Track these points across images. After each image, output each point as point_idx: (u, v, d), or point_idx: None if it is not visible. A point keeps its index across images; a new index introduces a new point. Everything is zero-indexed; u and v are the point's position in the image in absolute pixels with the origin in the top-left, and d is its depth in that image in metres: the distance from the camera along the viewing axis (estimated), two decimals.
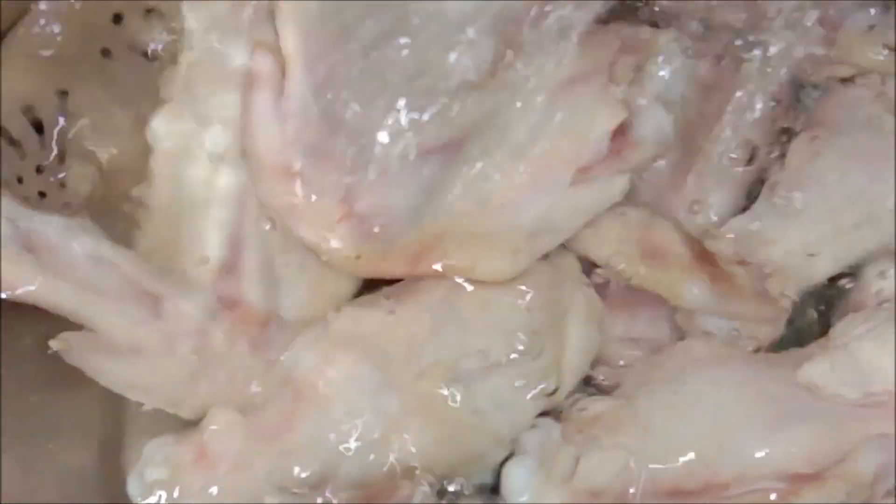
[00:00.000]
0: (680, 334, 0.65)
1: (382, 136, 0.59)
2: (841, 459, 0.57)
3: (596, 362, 0.66)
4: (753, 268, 0.61)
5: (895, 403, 0.57)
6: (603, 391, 0.65)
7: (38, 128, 0.63)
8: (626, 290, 0.65)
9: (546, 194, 0.59)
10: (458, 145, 0.59)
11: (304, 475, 0.59)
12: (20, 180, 0.62)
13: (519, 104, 0.59)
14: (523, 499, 0.59)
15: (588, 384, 0.66)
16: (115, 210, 0.65)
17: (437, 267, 0.60)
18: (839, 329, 0.60)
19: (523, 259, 0.60)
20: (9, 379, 0.62)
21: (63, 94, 0.64)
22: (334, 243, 0.59)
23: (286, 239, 0.62)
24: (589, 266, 0.65)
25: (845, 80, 0.65)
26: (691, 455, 0.58)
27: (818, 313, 0.67)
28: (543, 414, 0.62)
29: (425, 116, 0.59)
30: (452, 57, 0.59)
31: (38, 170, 0.63)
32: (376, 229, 0.59)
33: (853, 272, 0.65)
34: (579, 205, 0.60)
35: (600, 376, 0.66)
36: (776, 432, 0.58)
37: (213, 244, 0.62)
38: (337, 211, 0.59)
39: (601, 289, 0.65)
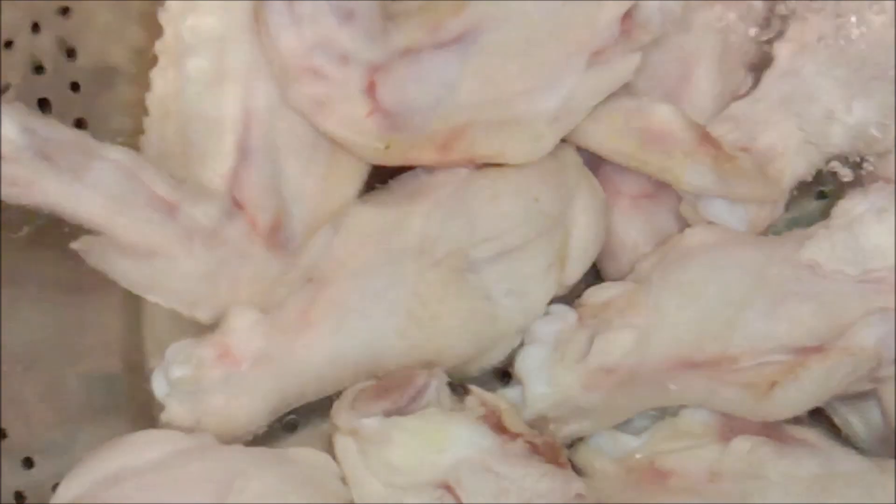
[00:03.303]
0: (684, 224, 0.66)
1: (398, 32, 0.61)
2: (843, 333, 0.58)
3: (604, 257, 0.67)
4: (755, 150, 0.63)
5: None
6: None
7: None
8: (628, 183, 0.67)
9: (564, 79, 0.61)
10: (473, 36, 0.61)
11: (323, 369, 0.61)
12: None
13: None
14: (539, 381, 0.61)
15: (599, 277, 0.67)
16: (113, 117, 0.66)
17: (465, 153, 0.62)
18: (840, 208, 0.61)
19: (548, 141, 0.62)
20: (29, 285, 0.63)
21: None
22: (364, 136, 0.61)
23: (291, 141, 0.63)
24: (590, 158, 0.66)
25: None
26: (700, 331, 0.60)
27: (819, 200, 0.69)
28: (556, 302, 0.64)
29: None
30: None
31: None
32: (403, 121, 0.61)
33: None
34: (597, 86, 0.61)
35: (610, 269, 0.67)
36: (780, 309, 0.59)
37: (223, 148, 0.63)
38: (365, 105, 0.61)
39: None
